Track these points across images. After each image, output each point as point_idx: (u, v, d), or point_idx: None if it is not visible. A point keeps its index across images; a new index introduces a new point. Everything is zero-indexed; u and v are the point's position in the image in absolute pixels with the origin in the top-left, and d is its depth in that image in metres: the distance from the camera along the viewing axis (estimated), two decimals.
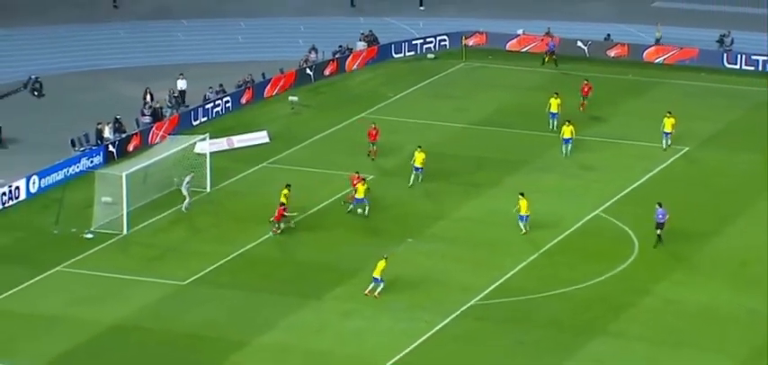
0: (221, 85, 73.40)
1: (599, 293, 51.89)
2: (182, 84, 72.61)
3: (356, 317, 50.25)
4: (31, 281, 53.20)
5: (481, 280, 52.75)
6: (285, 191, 58.00)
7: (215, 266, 54.40)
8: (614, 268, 53.90)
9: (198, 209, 59.51)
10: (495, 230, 57.34)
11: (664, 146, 65.54)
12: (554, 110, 68.17)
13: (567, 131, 65.09)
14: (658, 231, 54.78)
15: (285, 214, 56.66)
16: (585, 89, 71.50)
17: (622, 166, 64.11)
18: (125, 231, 57.47)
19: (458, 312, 50.44)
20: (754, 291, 51.74)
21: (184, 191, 59.21)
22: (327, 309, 50.90)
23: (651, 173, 63.56)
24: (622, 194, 61.09)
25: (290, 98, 73.68)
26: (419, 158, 61.32)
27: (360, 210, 58.30)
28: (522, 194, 56.47)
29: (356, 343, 48.44)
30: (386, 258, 51.24)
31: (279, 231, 56.49)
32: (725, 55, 79.61)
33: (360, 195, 58.24)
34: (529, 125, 69.68)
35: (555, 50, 79.39)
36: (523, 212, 56.12)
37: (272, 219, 56.71)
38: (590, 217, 58.74)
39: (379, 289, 50.96)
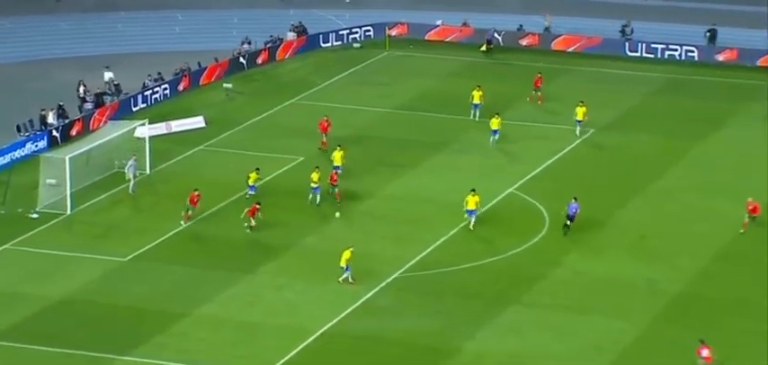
0: (160, 73, 72.96)
1: (513, 265, 52.46)
2: (108, 76, 71.48)
3: (287, 290, 50.38)
4: None
5: (404, 254, 53.10)
6: (254, 175, 57.21)
7: (155, 243, 54.21)
8: (527, 241, 54.50)
9: (139, 190, 59.20)
10: (417, 207, 57.67)
11: (577, 132, 65.97)
12: (476, 101, 68.16)
13: (495, 122, 64.58)
14: (568, 221, 54.79)
15: (258, 210, 54.71)
16: (538, 81, 70.94)
17: (534, 148, 64.68)
18: (69, 211, 57.07)
19: (382, 284, 50.75)
20: (653, 263, 52.61)
21: (129, 174, 58.83)
22: (260, 283, 50.97)
23: (560, 154, 64.20)
24: (534, 173, 61.71)
25: (225, 85, 73.43)
26: (337, 156, 59.67)
27: (311, 197, 57.15)
28: (473, 190, 55.33)
29: (287, 314, 48.58)
30: (351, 249, 50.46)
31: (252, 227, 54.42)
32: (626, 43, 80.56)
33: (314, 182, 57.00)
34: (449, 109, 70.08)
35: (492, 40, 79.59)
36: (471, 207, 54.80)
37: (245, 214, 54.85)
38: (504, 194, 59.30)
39: (344, 276, 50.32)
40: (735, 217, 55.94)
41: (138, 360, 45.41)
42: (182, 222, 55.44)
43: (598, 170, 62.76)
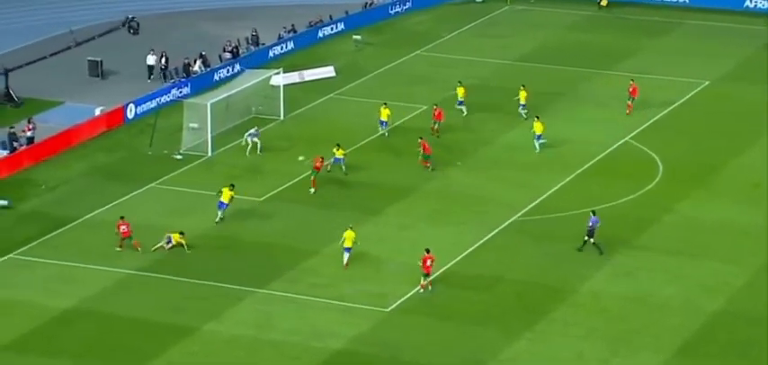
0: (293, 26, 72.88)
1: (627, 210, 51.21)
2: (150, 60, 65.94)
3: (411, 231, 49.98)
4: (130, 196, 53.43)
5: (522, 199, 52.21)
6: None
7: (288, 185, 54.24)
8: (641, 188, 53.14)
9: (272, 134, 59.21)
10: (534, 154, 56.66)
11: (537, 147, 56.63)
12: (522, 101, 59.53)
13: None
14: (586, 237, 47.09)
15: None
16: (634, 91, 60.38)
17: (647, 98, 62.83)
18: (210, 153, 57.45)
19: (501, 227, 50.00)
20: (765, 210, 50.81)
21: (250, 140, 57.25)
22: (386, 223, 50.65)
23: (675, 105, 62.41)
24: (648, 124, 60.09)
25: (354, 37, 73.00)
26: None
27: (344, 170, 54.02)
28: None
29: (410, 252, 48.14)
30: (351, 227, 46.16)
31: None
32: None
33: (339, 155, 53.88)
34: (566, 61, 68.71)
35: None
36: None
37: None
38: (620, 143, 57.89)
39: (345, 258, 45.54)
40: None
41: (273, 292, 45.49)
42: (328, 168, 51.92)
43: (713, 119, 60.83)
